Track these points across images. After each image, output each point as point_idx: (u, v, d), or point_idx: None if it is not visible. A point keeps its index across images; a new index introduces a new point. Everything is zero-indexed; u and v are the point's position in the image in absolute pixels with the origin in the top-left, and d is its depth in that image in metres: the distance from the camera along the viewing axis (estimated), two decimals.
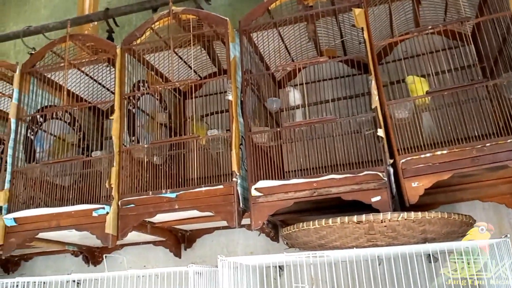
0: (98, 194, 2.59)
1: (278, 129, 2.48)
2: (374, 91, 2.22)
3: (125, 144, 2.53)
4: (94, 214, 2.40)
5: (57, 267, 3.23)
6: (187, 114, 3.12)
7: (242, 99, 2.45)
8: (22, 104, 2.80)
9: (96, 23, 3.71)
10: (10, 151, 2.69)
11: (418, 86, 2.27)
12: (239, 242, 2.89)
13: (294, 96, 2.66)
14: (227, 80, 2.43)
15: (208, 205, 2.26)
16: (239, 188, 2.26)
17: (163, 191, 2.36)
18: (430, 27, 2.24)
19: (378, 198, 2.04)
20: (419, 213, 1.87)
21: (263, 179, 2.25)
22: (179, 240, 2.97)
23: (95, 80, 3.03)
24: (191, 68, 2.89)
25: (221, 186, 2.26)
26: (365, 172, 2.10)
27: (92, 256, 3.13)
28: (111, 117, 2.59)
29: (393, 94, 2.41)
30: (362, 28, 2.34)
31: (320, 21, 2.55)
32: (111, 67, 2.84)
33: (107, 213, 2.38)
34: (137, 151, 2.56)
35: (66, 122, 3.05)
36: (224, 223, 2.28)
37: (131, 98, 2.66)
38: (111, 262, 2.91)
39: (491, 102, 2.32)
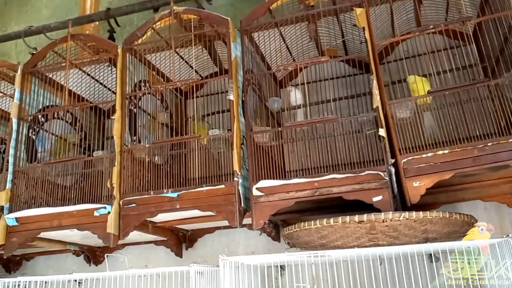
0: (99, 193, 2.60)
1: (280, 129, 2.49)
2: (376, 91, 2.22)
3: (126, 143, 2.53)
4: (96, 213, 2.40)
5: (59, 266, 3.23)
6: (188, 114, 3.12)
7: (243, 99, 2.45)
8: (23, 104, 2.81)
9: (97, 23, 3.71)
10: (11, 151, 2.70)
11: (420, 85, 2.27)
12: (240, 241, 2.89)
13: (295, 95, 2.66)
14: (229, 80, 2.43)
15: (210, 204, 2.26)
16: (240, 188, 2.26)
17: (165, 190, 2.36)
18: (431, 26, 2.24)
19: (379, 197, 2.04)
20: (421, 212, 1.87)
21: (265, 179, 2.25)
22: (180, 240, 2.97)
23: (96, 80, 3.03)
24: (192, 68, 2.89)
25: (223, 186, 2.26)
26: (367, 172, 2.09)
27: (93, 256, 3.13)
28: (112, 117, 2.59)
29: (395, 93, 2.41)
30: (364, 28, 2.34)
31: (322, 20, 2.54)
32: (113, 67, 2.85)
33: (109, 212, 2.38)
34: (139, 150, 2.57)
35: (67, 122, 3.06)
36: (225, 223, 2.27)
37: (132, 98, 2.66)
38: (113, 262, 2.91)
39: (492, 102, 2.31)
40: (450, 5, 2.49)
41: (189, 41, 2.67)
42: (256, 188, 2.23)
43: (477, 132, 2.16)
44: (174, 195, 2.32)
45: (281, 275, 2.61)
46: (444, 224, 1.94)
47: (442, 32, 2.41)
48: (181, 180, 2.86)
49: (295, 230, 2.06)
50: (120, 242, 2.45)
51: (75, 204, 2.55)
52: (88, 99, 3.10)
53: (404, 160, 2.06)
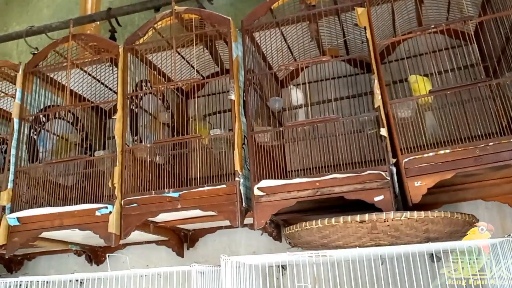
0: (101, 193, 2.60)
1: (281, 129, 2.49)
2: (377, 90, 2.22)
3: (127, 143, 2.54)
4: (97, 213, 2.40)
5: (60, 266, 3.23)
6: (189, 113, 3.12)
7: (244, 98, 2.45)
8: (25, 104, 2.81)
9: (98, 23, 3.71)
10: (13, 151, 2.70)
11: (421, 85, 2.27)
12: (242, 241, 2.89)
13: (297, 95, 2.66)
14: (230, 79, 2.43)
15: (211, 204, 2.26)
16: (241, 188, 2.26)
17: (166, 190, 2.36)
18: (433, 26, 2.24)
19: (381, 197, 2.04)
20: (422, 212, 1.87)
21: (266, 179, 2.25)
22: (181, 240, 2.98)
23: (97, 80, 3.03)
24: (193, 68, 2.89)
25: (224, 186, 2.26)
26: (368, 172, 2.09)
27: (95, 256, 3.13)
28: (113, 117, 2.59)
29: (396, 93, 2.41)
30: (365, 27, 2.34)
31: (323, 20, 2.54)
32: (114, 66, 2.85)
33: (110, 212, 2.38)
34: (140, 150, 2.57)
35: (68, 121, 3.06)
36: (227, 223, 2.28)
37: (133, 97, 2.66)
38: (114, 262, 2.91)
39: (494, 102, 2.31)
40: (451, 4, 2.49)
41: (190, 40, 2.67)
42: (258, 188, 2.23)
43: (479, 131, 2.16)
44: (176, 195, 2.32)
45: (282, 275, 2.61)
46: (445, 224, 1.93)
47: (444, 32, 2.41)
48: (183, 180, 2.86)
49: (296, 230, 2.06)
50: (121, 242, 2.45)
51: (76, 204, 2.55)
52: (89, 99, 3.10)
53: (406, 159, 2.06)
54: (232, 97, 2.39)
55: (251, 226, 2.34)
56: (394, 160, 2.10)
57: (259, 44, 2.65)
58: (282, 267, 2.60)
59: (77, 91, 3.01)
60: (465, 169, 1.99)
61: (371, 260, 2.37)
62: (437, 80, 2.25)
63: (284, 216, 2.50)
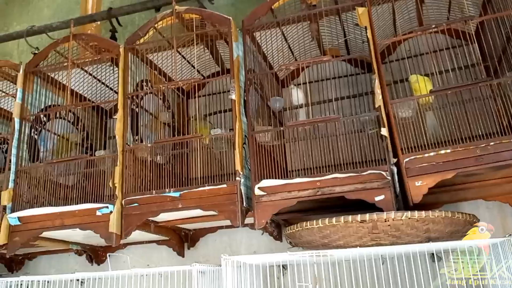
0: (101, 193, 2.59)
1: (281, 128, 2.49)
2: (378, 90, 2.22)
3: (128, 143, 2.54)
4: (98, 213, 2.40)
5: (61, 266, 3.23)
6: (190, 113, 3.12)
7: (245, 98, 2.45)
8: (25, 103, 2.81)
9: (99, 22, 3.72)
10: (14, 151, 2.70)
11: (422, 85, 2.27)
12: (242, 241, 2.89)
13: (297, 95, 2.66)
14: (230, 79, 2.43)
15: (212, 204, 2.26)
16: (242, 187, 2.26)
17: (167, 190, 2.36)
18: (433, 26, 2.24)
19: (381, 197, 2.04)
20: (423, 212, 1.87)
21: (267, 178, 2.25)
22: (182, 239, 2.98)
23: (98, 79, 3.03)
24: (194, 68, 2.89)
25: (225, 185, 2.27)
26: (369, 171, 2.09)
27: (95, 255, 3.13)
28: (114, 117, 2.59)
29: (397, 93, 2.41)
30: (366, 27, 2.34)
31: (324, 20, 2.54)
32: (115, 66, 2.85)
33: (111, 212, 2.38)
34: (141, 150, 2.57)
35: (69, 121, 3.06)
36: (228, 222, 2.28)
37: (134, 97, 2.66)
38: (115, 261, 2.91)
39: (495, 101, 2.31)
40: (452, 4, 2.49)
41: (191, 40, 2.68)
42: (258, 188, 2.23)
43: (480, 131, 2.15)
44: (176, 194, 2.32)
45: (283, 274, 2.61)
46: (446, 224, 1.93)
47: (444, 32, 2.40)
48: (183, 179, 2.86)
49: (297, 229, 2.06)
50: (122, 241, 2.45)
51: (77, 203, 2.55)
52: (90, 98, 3.10)
53: (406, 159, 2.06)
54: (233, 96, 2.39)
55: (251, 226, 2.34)
56: (395, 160, 2.10)
57: (260, 44, 2.65)
58: (283, 266, 2.60)
59: (77, 91, 3.01)
60: (466, 169, 1.99)
61: (372, 260, 2.37)
62: (437, 80, 2.25)
63: (285, 216, 2.50)
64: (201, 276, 2.07)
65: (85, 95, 3.09)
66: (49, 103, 2.92)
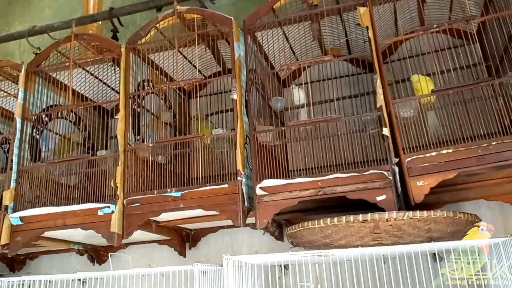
0: (103, 193, 2.60)
1: (283, 128, 2.49)
2: (379, 90, 2.21)
3: (130, 143, 2.54)
4: (100, 213, 2.41)
5: (63, 266, 3.24)
6: (191, 113, 3.13)
7: (246, 98, 2.45)
8: (27, 103, 2.81)
9: (100, 22, 3.72)
10: (15, 151, 2.70)
11: (423, 84, 2.27)
12: (244, 241, 2.90)
13: (299, 95, 2.66)
14: (232, 79, 2.43)
15: (213, 204, 2.26)
16: (244, 187, 2.26)
17: (168, 190, 2.36)
18: (435, 25, 2.24)
19: (383, 197, 2.04)
20: (425, 212, 1.87)
21: (268, 178, 2.25)
22: (183, 239, 2.98)
23: (100, 79, 3.03)
24: (195, 67, 2.89)
25: (226, 185, 2.27)
26: (370, 171, 2.09)
27: (97, 255, 3.14)
28: (116, 116, 2.59)
29: (398, 93, 2.41)
30: (367, 27, 2.34)
31: (325, 20, 2.54)
32: (116, 66, 2.85)
33: (113, 212, 2.38)
34: (142, 150, 2.57)
35: (71, 121, 3.06)
36: (229, 222, 2.28)
37: (135, 97, 2.66)
38: (116, 261, 2.91)
39: (496, 101, 2.31)
40: (453, 4, 2.49)
41: (192, 40, 2.68)
42: (260, 188, 2.23)
43: (481, 131, 2.15)
44: (178, 194, 2.33)
45: (284, 274, 2.61)
46: (448, 224, 1.93)
47: (446, 31, 2.41)
48: (185, 179, 2.86)
49: (298, 229, 2.06)
50: (123, 241, 2.45)
51: (79, 203, 2.56)
52: (91, 98, 3.11)
53: (408, 159, 2.06)
54: (234, 96, 2.39)
55: (253, 226, 2.34)
56: (397, 160, 2.10)
57: (261, 43, 2.65)
58: (284, 266, 2.60)
59: (79, 90, 3.02)
60: (467, 168, 1.99)
61: (373, 260, 2.36)
62: (439, 80, 2.25)
63: (286, 216, 2.50)
64: (202, 276, 2.08)
65: (87, 95, 3.09)
66: (51, 103, 2.93)
